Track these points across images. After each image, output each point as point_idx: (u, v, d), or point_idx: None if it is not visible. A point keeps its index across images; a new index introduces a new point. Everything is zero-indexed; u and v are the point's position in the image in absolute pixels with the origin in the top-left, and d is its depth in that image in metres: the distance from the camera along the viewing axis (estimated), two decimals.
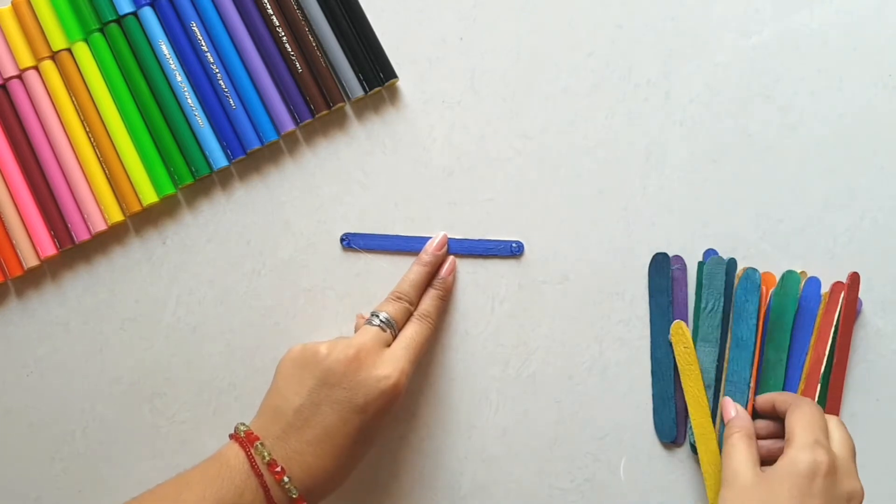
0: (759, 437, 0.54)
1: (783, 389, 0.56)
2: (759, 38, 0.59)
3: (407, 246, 0.58)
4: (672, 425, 0.57)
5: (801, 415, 0.51)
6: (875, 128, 0.58)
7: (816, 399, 0.56)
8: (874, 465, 0.57)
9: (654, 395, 0.57)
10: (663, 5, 0.59)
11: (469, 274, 0.58)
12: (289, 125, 0.58)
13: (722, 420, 0.55)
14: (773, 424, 0.55)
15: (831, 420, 0.52)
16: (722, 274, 0.57)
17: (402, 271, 0.57)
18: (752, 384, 0.56)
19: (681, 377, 0.57)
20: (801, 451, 0.49)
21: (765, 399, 0.55)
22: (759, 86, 0.59)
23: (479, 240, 0.58)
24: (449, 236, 0.58)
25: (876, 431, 0.57)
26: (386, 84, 0.58)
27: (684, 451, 0.58)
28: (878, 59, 0.59)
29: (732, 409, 0.54)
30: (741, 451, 0.51)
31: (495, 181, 0.59)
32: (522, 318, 0.58)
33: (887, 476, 0.57)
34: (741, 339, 0.56)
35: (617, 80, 0.59)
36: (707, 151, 0.59)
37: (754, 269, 0.56)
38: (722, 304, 0.57)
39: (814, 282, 0.57)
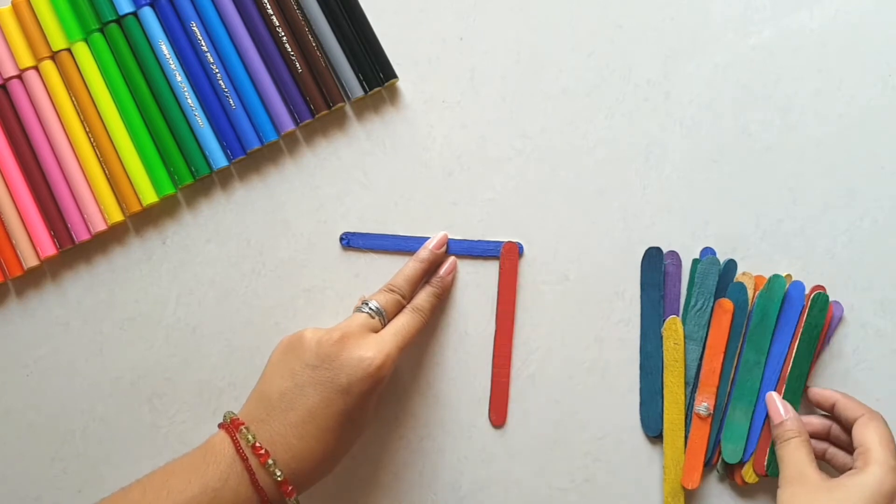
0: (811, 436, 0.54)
1: (758, 392, 0.56)
2: (759, 38, 0.59)
3: (406, 246, 0.58)
4: (659, 419, 0.57)
5: (879, 430, 0.51)
6: (875, 128, 0.58)
7: (783, 396, 0.56)
8: None
9: (641, 389, 0.58)
10: (663, 5, 0.59)
11: (469, 274, 0.58)
12: (289, 125, 0.58)
13: (717, 414, 0.56)
14: (822, 423, 0.55)
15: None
16: (715, 275, 0.57)
17: None
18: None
19: (664, 372, 0.57)
20: (887, 471, 0.49)
21: (823, 395, 0.55)
22: (759, 86, 0.59)
23: (479, 241, 0.58)
24: (449, 236, 0.58)
25: None
26: (386, 84, 0.58)
27: None
28: (878, 59, 0.59)
29: (782, 409, 0.54)
30: (805, 454, 0.51)
31: (495, 181, 0.59)
32: (522, 318, 0.58)
33: None
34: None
35: (617, 80, 0.59)
36: (707, 151, 0.59)
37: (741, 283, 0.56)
38: (711, 304, 0.57)
39: (797, 286, 0.56)
